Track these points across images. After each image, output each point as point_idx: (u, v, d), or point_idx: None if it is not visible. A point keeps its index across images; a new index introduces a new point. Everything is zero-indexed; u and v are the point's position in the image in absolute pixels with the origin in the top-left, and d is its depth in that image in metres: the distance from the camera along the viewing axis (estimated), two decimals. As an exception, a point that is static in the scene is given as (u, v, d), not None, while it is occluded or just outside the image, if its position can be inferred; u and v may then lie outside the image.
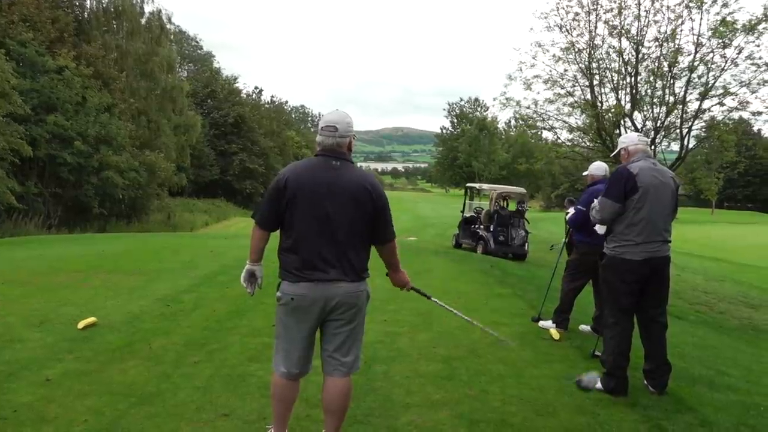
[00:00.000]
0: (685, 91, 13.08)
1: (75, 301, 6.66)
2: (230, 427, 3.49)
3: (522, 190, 18.96)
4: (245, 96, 61.77)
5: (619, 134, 13.38)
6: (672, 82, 13.22)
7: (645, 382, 4.39)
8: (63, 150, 22.74)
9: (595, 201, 4.45)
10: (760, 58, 12.00)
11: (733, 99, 12.63)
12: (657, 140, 13.68)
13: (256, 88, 68.48)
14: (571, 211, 6.11)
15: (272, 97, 78.03)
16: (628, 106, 13.74)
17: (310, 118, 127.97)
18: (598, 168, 6.08)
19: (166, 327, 5.72)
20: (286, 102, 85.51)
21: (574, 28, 13.90)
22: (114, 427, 3.45)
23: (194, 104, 48.46)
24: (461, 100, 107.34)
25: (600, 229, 4.49)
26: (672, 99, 13.29)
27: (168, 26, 38.51)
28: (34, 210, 21.99)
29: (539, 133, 17.67)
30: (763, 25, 11.70)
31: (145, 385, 4.13)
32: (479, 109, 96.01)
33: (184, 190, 42.05)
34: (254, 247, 3.12)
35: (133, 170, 26.60)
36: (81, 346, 5.00)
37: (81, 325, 5.54)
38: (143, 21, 34.58)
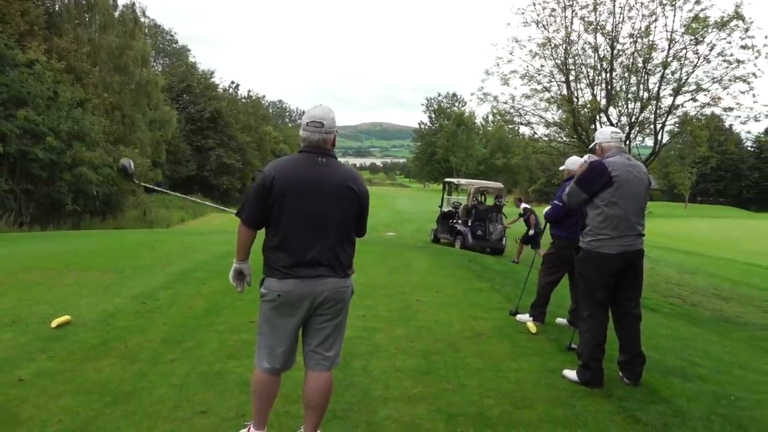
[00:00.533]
0: (659, 87, 13.26)
1: (48, 300, 6.55)
2: (208, 424, 3.47)
3: (499, 185, 19.07)
4: (222, 91, 61.20)
5: (595, 129, 13.51)
6: (646, 78, 13.40)
7: (620, 373, 4.46)
8: (35, 146, 22.31)
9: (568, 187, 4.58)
10: (731, 54, 12.21)
11: (705, 95, 12.84)
12: (632, 135, 13.84)
13: (232, 82, 67.86)
14: (521, 207, 6.26)
15: (249, 91, 77.41)
16: (603, 102, 13.87)
17: (287, 113, 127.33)
18: (574, 162, 6.10)
19: (141, 325, 5.65)
20: (264, 97, 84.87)
21: (551, 24, 14.01)
22: (89, 426, 3.41)
23: (170, 99, 47.89)
24: (439, 95, 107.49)
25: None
26: (646, 95, 13.46)
27: (142, 19, 38.03)
28: (5, 207, 21.57)
29: (516, 128, 17.83)
30: (734, 22, 11.90)
31: (121, 383, 4.09)
32: (457, 104, 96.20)
33: (160, 186, 41.58)
34: (242, 246, 3.06)
35: (107, 166, 26.18)
36: (54, 345, 4.93)
37: (55, 323, 5.45)
38: (116, 14, 34.09)
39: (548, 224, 6.37)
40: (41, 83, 23.42)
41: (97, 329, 5.47)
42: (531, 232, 14.55)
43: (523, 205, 15.21)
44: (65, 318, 5.60)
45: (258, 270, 3.04)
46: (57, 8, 31.21)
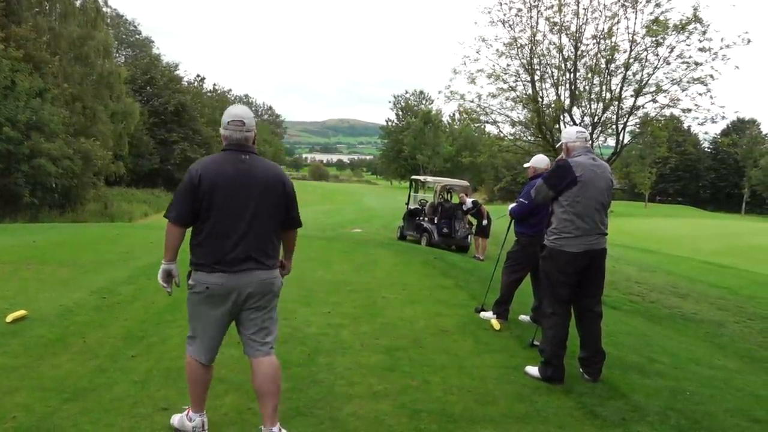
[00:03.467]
0: (621, 88, 13.47)
1: (3, 294, 6.36)
2: (169, 421, 3.42)
3: (465, 182, 19.20)
4: (186, 84, 60.20)
5: (559, 129, 13.70)
6: (608, 78, 13.60)
7: (580, 369, 4.54)
8: (-9, 136, 21.69)
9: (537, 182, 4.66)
10: (690, 57, 12.47)
11: (665, 96, 13.08)
12: (594, 135, 14.06)
13: (198, 76, 66.85)
14: (468, 202, 6.30)
15: (215, 85, 76.51)
16: (567, 102, 14.05)
17: (254, 108, 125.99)
18: (541, 161, 6.15)
19: (101, 320, 5.54)
20: (230, 91, 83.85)
21: (517, 24, 14.10)
22: (45, 423, 3.33)
23: (132, 91, 46.89)
24: (407, 92, 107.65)
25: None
26: (608, 95, 13.66)
27: (104, 9, 37.19)
28: (-41, 199, 20.94)
29: (483, 126, 17.87)
30: (693, 25, 12.17)
31: (79, 380, 4.00)
32: (424, 101, 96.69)
33: (122, 180, 40.71)
34: (171, 246, 3.09)
35: (67, 158, 25.56)
36: (9, 340, 4.79)
37: (10, 318, 5.30)
38: (78, 3, 33.26)
39: (513, 221, 6.44)
40: (-2, 72, 22.74)
41: (54, 324, 5.34)
42: (484, 222, 14.92)
43: (470, 200, 15.77)
44: (21, 312, 5.45)
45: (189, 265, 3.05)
46: (16, -6, 30.29)
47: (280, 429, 3.14)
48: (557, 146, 4.93)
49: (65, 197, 27.57)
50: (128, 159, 40.39)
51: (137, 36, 68.04)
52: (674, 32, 12.38)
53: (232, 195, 3.02)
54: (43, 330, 5.14)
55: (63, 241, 11.28)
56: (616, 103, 13.58)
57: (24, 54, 25.54)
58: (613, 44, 13.10)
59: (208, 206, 3.00)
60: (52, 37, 30.16)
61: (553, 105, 14.08)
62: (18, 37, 26.22)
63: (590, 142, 12.89)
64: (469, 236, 17.05)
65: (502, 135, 16.40)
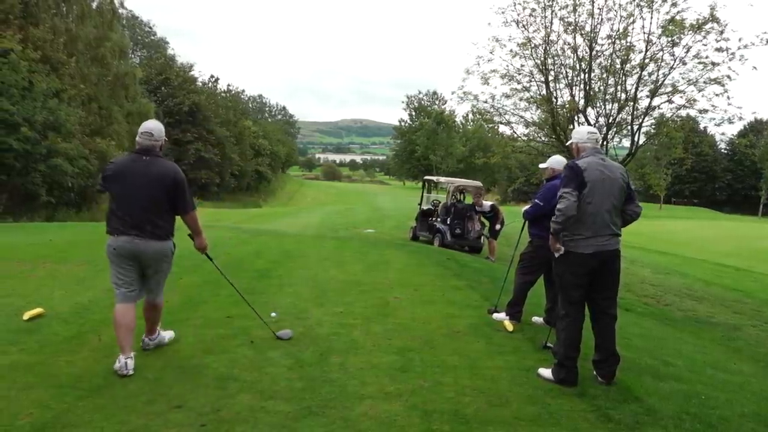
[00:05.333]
0: (636, 89, 13.37)
1: (20, 292, 6.44)
2: (183, 418, 3.44)
3: (478, 183, 19.12)
4: (201, 84, 60.73)
5: (573, 129, 13.61)
6: (624, 79, 13.51)
7: (594, 372, 4.50)
8: (8, 136, 21.90)
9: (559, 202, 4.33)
10: (706, 57, 12.35)
11: (681, 97, 12.97)
12: (609, 136, 13.98)
13: (212, 76, 67.17)
14: (486, 205, 6.15)
15: (229, 85, 77.00)
16: (581, 102, 13.96)
17: (267, 108, 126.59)
18: (559, 161, 6.02)
19: (116, 318, 5.57)
20: (243, 91, 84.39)
21: (531, 24, 14.04)
22: (60, 419, 3.37)
23: (147, 91, 47.35)
24: (420, 93, 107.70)
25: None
26: (623, 96, 13.57)
27: (120, 10, 37.55)
28: (-23, 198, 21.20)
29: (496, 127, 17.81)
30: (710, 24, 12.05)
31: (94, 377, 4.04)
32: (437, 102, 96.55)
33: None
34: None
35: (83, 158, 25.80)
36: (26, 337, 4.85)
37: (27, 316, 5.36)
38: (94, 5, 33.58)
39: (526, 223, 6.40)
40: (16, 73, 22.98)
41: (70, 322, 5.40)
42: (498, 226, 14.83)
43: (487, 203, 15.61)
44: (38, 310, 5.51)
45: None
46: (33, -3, 30.62)
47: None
48: (567, 144, 4.86)
49: (81, 196, 27.82)
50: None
51: (152, 37, 68.72)
52: (691, 32, 12.27)
53: (127, 183, 4.25)
54: (59, 328, 5.20)
55: (78, 240, 11.39)
56: (632, 103, 13.49)
57: (41, 55, 25.83)
58: (628, 44, 13.02)
59: (114, 190, 4.29)
60: (69, 38, 30.46)
61: (567, 105, 14.01)
62: (35, 39, 26.51)
63: (600, 143, 12.86)
64: (483, 237, 16.98)
65: (515, 136, 16.34)
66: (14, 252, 9.41)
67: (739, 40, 12.01)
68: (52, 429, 3.26)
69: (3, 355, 4.39)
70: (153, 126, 4.46)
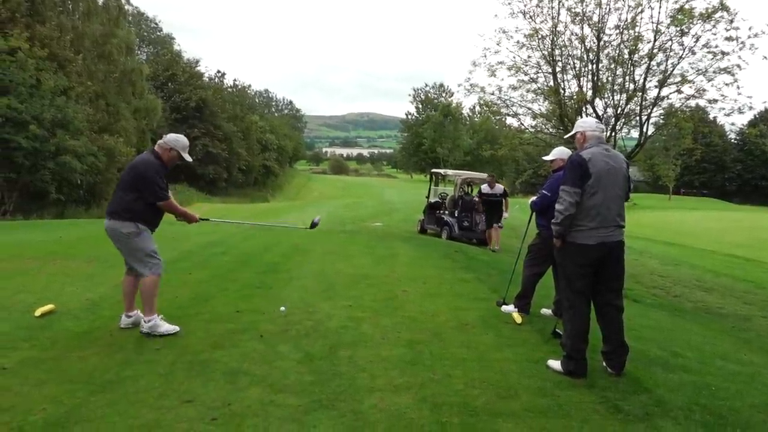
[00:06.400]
0: (645, 79, 13.26)
1: (31, 289, 6.50)
2: (193, 413, 3.47)
3: (485, 175, 19.08)
4: (207, 79, 60.74)
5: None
6: (632, 69, 13.39)
7: (604, 363, 4.50)
8: (17, 134, 21.99)
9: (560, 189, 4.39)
10: (716, 46, 12.22)
11: (690, 87, 12.84)
12: (617, 127, 13.89)
13: (218, 71, 67.21)
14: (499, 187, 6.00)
15: (235, 81, 77.00)
16: (589, 93, 13.87)
17: (274, 103, 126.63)
18: (565, 153, 6.04)
19: (126, 314, 5.61)
20: (250, 86, 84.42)
21: (538, 15, 13.96)
22: (73, 415, 3.40)
23: (154, 88, 47.44)
24: (426, 85, 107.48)
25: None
26: (632, 86, 13.47)
27: (126, 7, 37.61)
28: (-12, 196, 21.33)
29: (503, 119, 17.72)
30: (719, 13, 11.92)
31: (106, 372, 4.07)
32: (444, 94, 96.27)
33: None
34: None
35: (91, 155, 25.86)
36: (38, 333, 4.90)
37: (38, 312, 5.41)
38: (100, 1, 33.57)
39: (533, 214, 6.39)
40: (24, 71, 23.05)
41: (81, 318, 5.44)
42: (506, 215, 14.51)
43: (501, 186, 15.05)
44: (49, 307, 5.56)
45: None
46: (39, -6, 30.69)
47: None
48: (570, 134, 4.83)
49: (90, 193, 27.92)
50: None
51: (158, 33, 68.75)
52: (700, 21, 12.15)
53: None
54: (70, 323, 5.25)
55: (88, 237, 11.46)
56: (640, 94, 13.38)
57: (48, 53, 25.86)
58: (636, 34, 12.90)
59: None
60: (76, 35, 30.50)
61: (575, 96, 13.92)
62: (42, 37, 26.54)
63: (609, 134, 12.77)
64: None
65: (523, 127, 16.27)
66: (25, 249, 9.49)
67: (750, 29, 11.87)
68: (65, 424, 3.29)
69: (15, 351, 4.44)
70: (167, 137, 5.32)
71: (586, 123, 4.67)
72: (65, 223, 17.21)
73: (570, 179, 4.31)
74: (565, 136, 5.53)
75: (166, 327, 5.09)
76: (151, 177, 4.98)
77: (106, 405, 3.54)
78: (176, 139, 5.22)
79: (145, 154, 5.17)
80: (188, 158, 5.34)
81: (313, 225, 6.42)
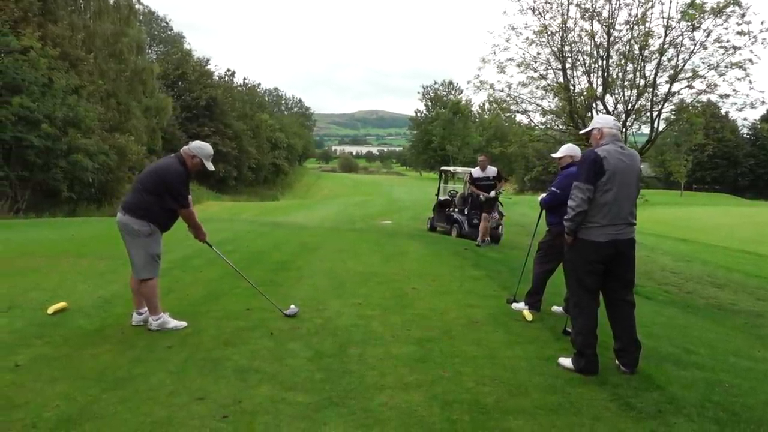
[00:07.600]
0: (655, 74, 13.17)
1: (44, 286, 6.55)
2: (205, 410, 3.48)
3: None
4: (217, 78, 60.92)
5: (591, 117, 13.44)
6: (642, 65, 13.30)
7: (616, 361, 4.47)
8: (30, 132, 22.14)
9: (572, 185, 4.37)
10: (727, 41, 12.13)
11: (701, 82, 12.75)
12: (628, 123, 13.80)
13: (228, 70, 67.33)
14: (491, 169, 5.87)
15: (245, 79, 77.22)
16: (599, 89, 13.79)
17: (283, 101, 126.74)
18: (574, 149, 6.12)
19: (138, 312, 5.65)
20: (259, 85, 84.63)
21: (547, 11, 13.88)
22: (86, 412, 3.42)
23: (165, 86, 47.65)
24: (435, 83, 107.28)
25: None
26: (642, 82, 13.38)
27: (137, 6, 37.76)
28: (0, 194, 21.48)
29: (513, 116, 17.67)
30: (731, 7, 11.82)
31: (118, 369, 4.10)
32: (453, 92, 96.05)
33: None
34: None
35: (102, 153, 26.01)
36: (51, 331, 4.94)
37: (51, 310, 5.46)
38: (111, 1, 33.75)
39: (543, 211, 6.38)
40: (36, 70, 23.20)
41: (93, 316, 5.48)
42: (493, 193, 12.79)
43: (494, 168, 13.27)
44: (62, 304, 5.61)
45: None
46: (51, -6, 30.88)
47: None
48: (585, 130, 4.81)
49: (102, 192, 28.07)
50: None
51: (169, 32, 69.05)
52: (711, 16, 12.05)
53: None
54: (83, 321, 5.29)
55: (99, 235, 11.54)
56: (651, 89, 13.29)
57: (60, 52, 26.03)
58: (647, 29, 12.81)
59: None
60: (87, 34, 30.67)
61: (585, 93, 13.85)
62: (54, 36, 26.72)
63: (620, 132, 12.68)
64: (500, 227, 16.90)
65: (532, 124, 16.21)
66: (37, 247, 9.56)
67: (762, 23, 11.78)
68: (77, 421, 3.32)
69: (29, 349, 4.47)
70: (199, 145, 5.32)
71: (603, 120, 4.65)
72: (77, 221, 17.32)
73: (583, 175, 4.29)
74: (581, 132, 5.51)
75: (174, 323, 5.18)
76: (177, 184, 5.04)
77: (118, 402, 3.56)
78: (200, 147, 5.21)
79: (171, 159, 5.18)
80: (211, 167, 5.29)
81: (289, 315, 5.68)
